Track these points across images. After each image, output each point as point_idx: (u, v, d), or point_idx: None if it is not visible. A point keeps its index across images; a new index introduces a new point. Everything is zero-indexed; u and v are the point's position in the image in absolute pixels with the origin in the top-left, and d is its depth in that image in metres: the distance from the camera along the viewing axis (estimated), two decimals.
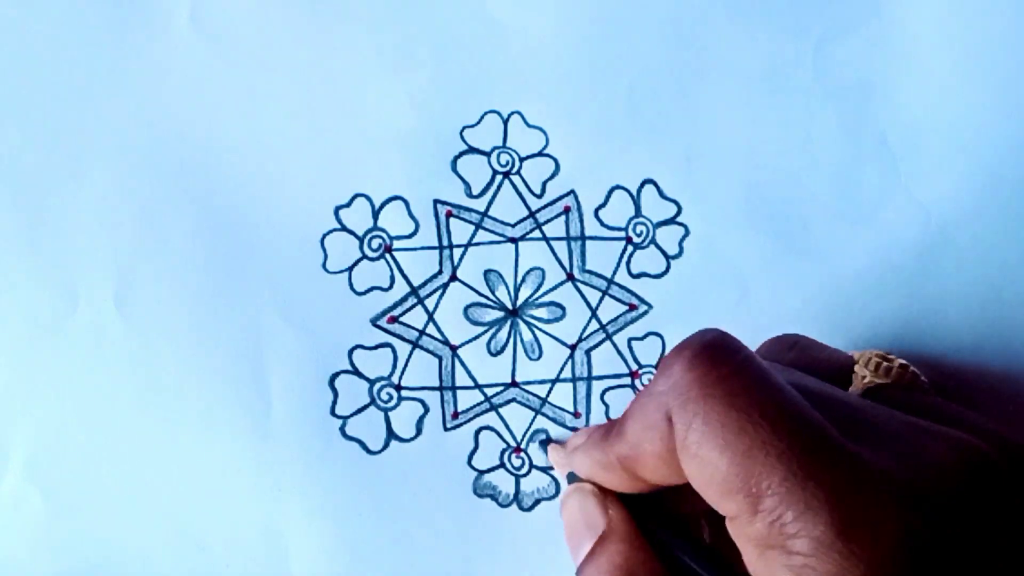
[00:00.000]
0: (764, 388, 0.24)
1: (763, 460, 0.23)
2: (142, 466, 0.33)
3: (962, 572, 0.22)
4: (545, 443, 0.34)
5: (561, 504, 0.30)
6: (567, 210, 0.35)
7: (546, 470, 0.34)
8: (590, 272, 0.35)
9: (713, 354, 0.24)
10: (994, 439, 0.25)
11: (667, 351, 0.34)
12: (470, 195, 0.35)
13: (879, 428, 0.24)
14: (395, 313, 0.34)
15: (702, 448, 0.24)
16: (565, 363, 0.34)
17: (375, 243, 0.35)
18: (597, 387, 0.34)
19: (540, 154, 0.35)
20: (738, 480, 0.23)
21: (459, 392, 0.34)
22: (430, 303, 0.35)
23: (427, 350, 0.34)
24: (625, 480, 0.28)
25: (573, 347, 0.35)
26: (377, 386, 0.34)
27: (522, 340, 0.35)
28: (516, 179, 0.35)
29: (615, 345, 0.35)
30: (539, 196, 0.35)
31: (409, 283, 0.35)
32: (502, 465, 0.34)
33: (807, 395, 0.24)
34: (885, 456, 0.23)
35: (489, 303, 0.35)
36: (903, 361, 0.30)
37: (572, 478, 0.30)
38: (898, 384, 0.29)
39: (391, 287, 0.34)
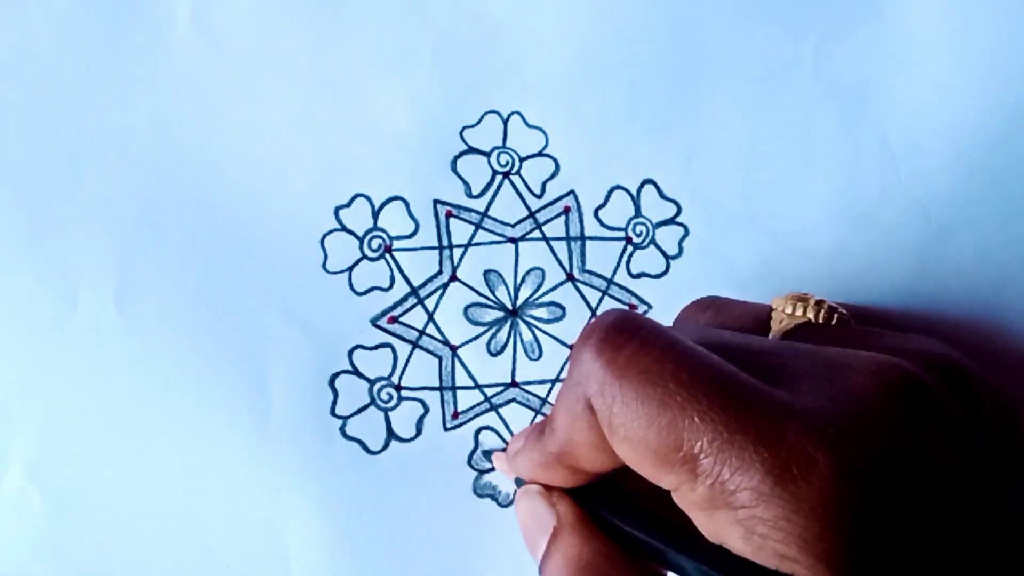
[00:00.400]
0: (674, 356, 0.24)
1: (688, 426, 0.23)
2: (142, 466, 0.33)
3: (905, 489, 0.22)
4: (488, 453, 0.34)
5: (515, 508, 0.30)
6: (567, 210, 0.35)
7: None
8: (590, 272, 0.35)
9: (618, 334, 0.24)
10: (915, 355, 0.25)
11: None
12: (470, 195, 0.35)
13: (799, 368, 0.24)
14: (395, 313, 0.34)
15: (628, 429, 0.24)
16: (565, 363, 0.34)
17: (375, 243, 0.35)
18: None
19: (540, 154, 0.35)
20: (670, 451, 0.23)
21: (459, 392, 0.34)
22: (430, 303, 0.35)
23: (427, 350, 0.34)
24: (567, 474, 0.28)
25: (573, 347, 0.35)
26: (377, 386, 0.34)
27: (522, 340, 0.35)
28: (516, 179, 0.35)
29: None
30: (539, 196, 0.35)
31: (409, 283, 0.35)
32: None
33: (722, 350, 0.24)
34: (808, 394, 0.23)
35: (489, 303, 0.35)
36: (820, 297, 0.30)
37: (520, 482, 0.30)
38: (818, 322, 0.29)
39: (391, 287, 0.34)
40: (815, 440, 0.22)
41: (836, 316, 0.29)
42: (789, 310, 0.29)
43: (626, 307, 0.35)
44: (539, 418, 0.34)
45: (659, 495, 0.26)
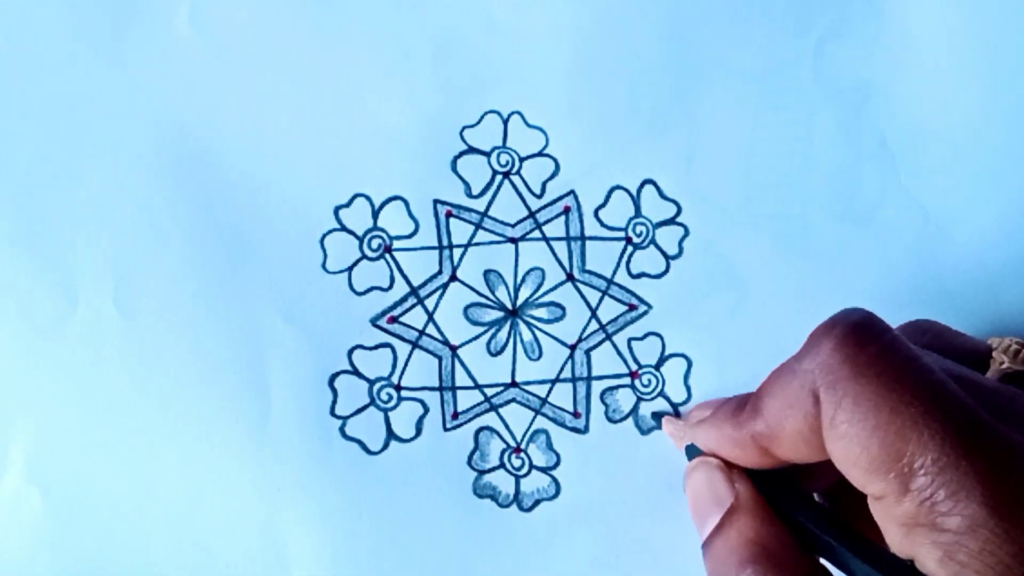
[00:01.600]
0: (914, 368, 0.24)
1: (916, 440, 0.23)
2: (142, 466, 0.33)
3: None
4: (658, 415, 0.34)
5: (686, 476, 0.30)
6: (567, 210, 0.35)
7: (546, 471, 0.34)
8: (590, 272, 0.35)
9: (862, 334, 0.24)
10: None
11: (667, 351, 0.34)
12: (470, 195, 0.35)
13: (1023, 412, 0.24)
14: (395, 313, 0.34)
15: (852, 428, 0.24)
16: (565, 363, 0.34)
17: (375, 243, 0.35)
18: (597, 387, 0.34)
19: (540, 154, 0.35)
20: (889, 460, 0.23)
21: (459, 392, 0.34)
22: (430, 303, 0.35)
23: (427, 350, 0.34)
24: (755, 456, 0.28)
25: (573, 347, 0.35)
26: (377, 386, 0.34)
27: (522, 340, 0.35)
28: (516, 179, 0.35)
29: (615, 345, 0.35)
30: (539, 196, 0.35)
31: (409, 283, 0.35)
32: (502, 465, 0.34)
33: (955, 379, 0.24)
34: None
35: (489, 303, 0.35)
36: None
37: (692, 451, 0.30)
38: None
39: (391, 287, 0.34)
40: None
41: None
42: (1010, 356, 0.29)
43: (626, 307, 0.35)
44: (539, 418, 0.34)
45: (835, 498, 0.27)
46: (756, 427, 0.27)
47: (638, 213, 0.35)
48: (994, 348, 0.30)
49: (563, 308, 0.35)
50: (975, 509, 0.22)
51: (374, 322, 0.34)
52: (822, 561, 0.27)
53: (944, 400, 0.23)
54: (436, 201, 0.35)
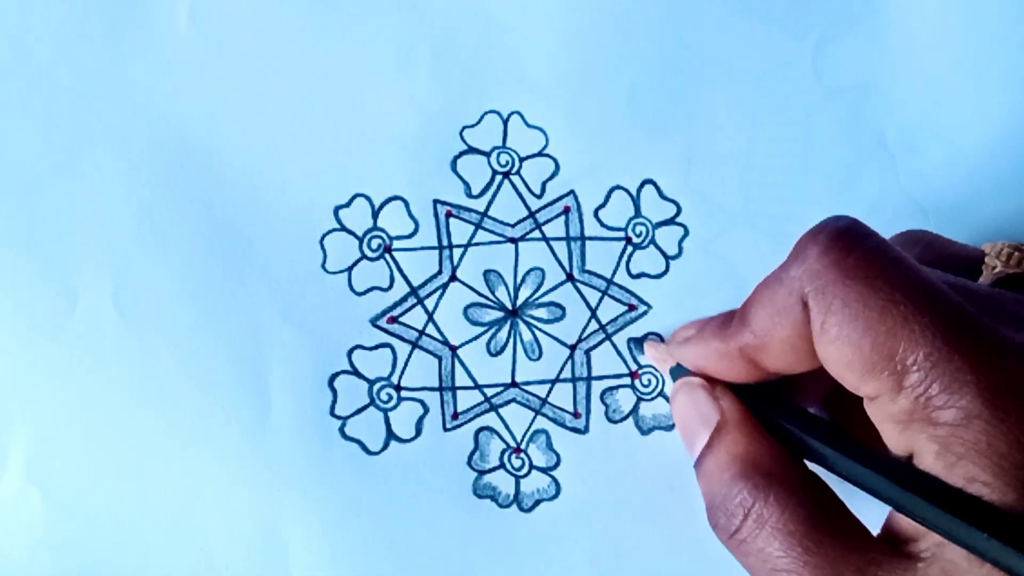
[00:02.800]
0: (902, 269, 0.24)
1: (907, 337, 0.23)
2: (142, 466, 0.33)
3: None
4: (639, 340, 0.34)
5: (671, 399, 0.30)
6: (567, 210, 0.35)
7: (546, 471, 0.34)
8: (590, 272, 0.35)
9: (848, 238, 0.25)
10: None
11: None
12: (470, 195, 0.35)
13: (1016, 312, 0.25)
14: (395, 313, 0.34)
15: (843, 331, 0.24)
16: (565, 363, 0.34)
17: (375, 243, 0.34)
18: (597, 387, 0.34)
19: (540, 154, 0.35)
20: (881, 359, 0.23)
21: (459, 392, 0.34)
22: (430, 303, 0.34)
23: (427, 350, 0.34)
24: (743, 370, 0.28)
25: (573, 347, 0.35)
26: (377, 386, 0.34)
27: (522, 340, 0.35)
28: (516, 179, 0.35)
29: (615, 345, 0.35)
30: (539, 196, 0.35)
31: (409, 283, 0.35)
32: (502, 466, 0.34)
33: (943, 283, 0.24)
34: None
35: (489, 303, 0.35)
36: None
37: (676, 373, 0.30)
38: None
39: (391, 287, 0.34)
40: None
41: None
42: (1003, 259, 0.29)
43: (626, 307, 0.35)
44: (539, 418, 0.34)
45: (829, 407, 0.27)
46: (744, 339, 0.27)
47: (638, 213, 0.35)
48: (987, 253, 0.30)
49: (563, 308, 0.35)
50: (969, 401, 0.22)
51: (374, 322, 0.34)
52: (818, 471, 0.27)
53: (933, 297, 0.24)
54: (436, 201, 0.35)
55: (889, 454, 0.25)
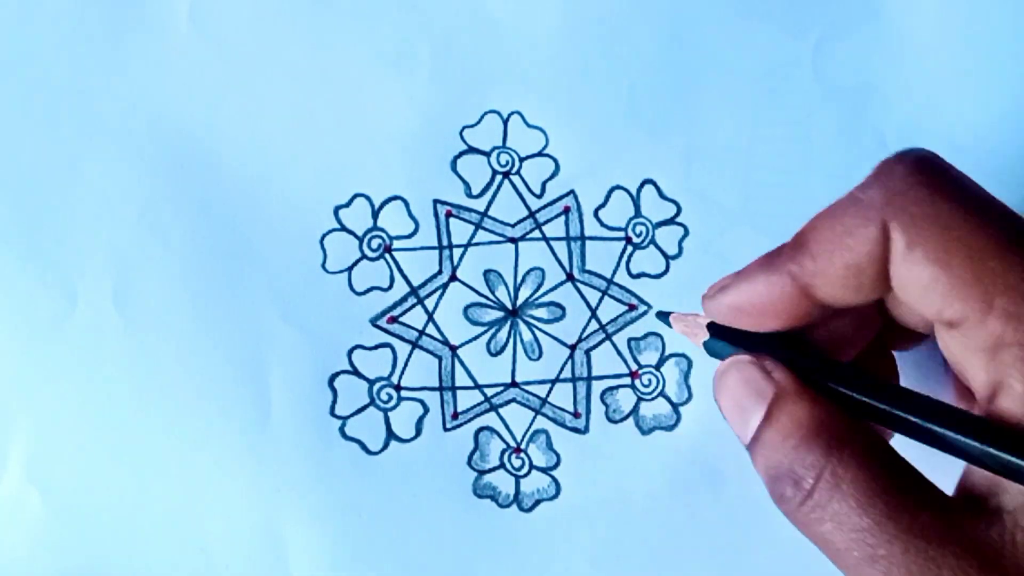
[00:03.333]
0: (987, 195, 0.24)
1: (998, 257, 0.22)
2: (142, 466, 0.33)
3: None
4: (665, 314, 0.32)
5: (717, 383, 0.28)
6: (567, 210, 0.35)
7: (546, 471, 0.34)
8: (590, 272, 0.35)
9: (934, 162, 0.24)
10: None
11: (667, 351, 0.34)
12: (470, 195, 0.35)
13: None
14: (395, 313, 0.34)
15: (929, 250, 0.23)
16: (565, 363, 0.34)
17: (375, 243, 0.34)
18: (597, 387, 0.34)
19: (540, 154, 0.35)
20: (972, 277, 0.23)
21: (459, 392, 0.34)
22: (430, 303, 0.34)
23: (427, 350, 0.34)
24: (791, 303, 0.26)
25: (573, 347, 0.35)
26: (377, 386, 0.34)
27: (522, 340, 0.35)
28: (516, 179, 0.35)
29: (615, 345, 0.35)
30: (539, 196, 0.35)
31: (409, 283, 0.35)
32: (502, 466, 0.34)
33: None
34: None
35: (489, 303, 0.35)
36: None
37: (711, 346, 0.29)
38: None
39: (391, 287, 0.34)
40: None
41: None
42: None
43: (626, 307, 0.35)
44: (539, 419, 0.34)
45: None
46: (801, 263, 0.26)
47: (638, 213, 0.35)
48: None
49: (563, 308, 0.35)
50: None
51: (374, 322, 0.34)
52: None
53: (1020, 221, 0.23)
54: (436, 201, 0.35)
55: (950, 406, 0.24)
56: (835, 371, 0.27)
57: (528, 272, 0.35)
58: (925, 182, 0.24)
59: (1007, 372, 0.22)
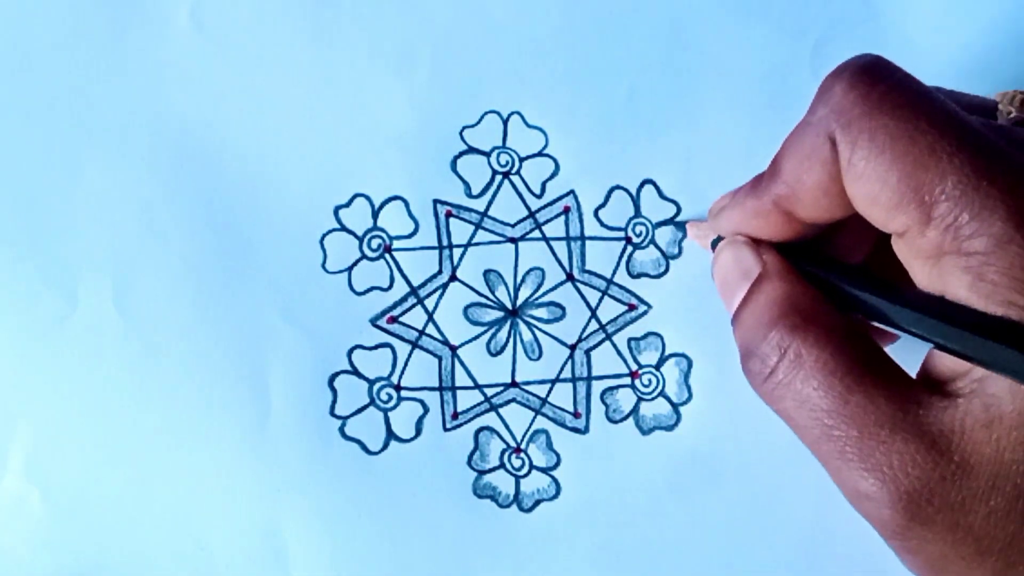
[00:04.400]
0: (927, 100, 0.24)
1: (935, 167, 0.23)
2: (142, 466, 0.33)
3: None
4: (681, 224, 0.34)
5: (713, 263, 0.30)
6: (567, 210, 0.35)
7: (546, 471, 0.34)
8: (590, 272, 0.35)
9: (872, 73, 0.24)
10: None
11: (667, 351, 0.34)
12: (470, 195, 0.35)
13: None
14: (395, 313, 0.34)
15: (870, 165, 0.24)
16: (565, 363, 0.34)
17: (375, 243, 0.35)
18: (597, 387, 0.34)
19: (540, 154, 0.35)
20: (909, 191, 0.23)
21: (459, 392, 0.34)
22: (430, 303, 0.35)
23: (427, 350, 0.34)
24: (778, 225, 0.27)
25: (573, 347, 0.35)
26: (377, 386, 0.34)
27: (522, 340, 0.35)
28: (516, 179, 0.35)
29: (615, 345, 0.35)
30: (539, 196, 0.35)
31: (409, 283, 0.35)
32: (502, 466, 0.34)
33: None
34: None
35: (489, 303, 0.35)
36: None
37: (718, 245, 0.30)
38: None
39: (391, 287, 0.34)
40: None
41: None
42: (1017, 104, 0.29)
43: (626, 307, 0.35)
44: (539, 418, 0.34)
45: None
46: (777, 189, 0.27)
47: (638, 213, 0.35)
48: (999, 102, 0.30)
49: (563, 308, 0.35)
50: (1000, 227, 0.22)
51: (374, 322, 0.34)
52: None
53: (960, 127, 0.23)
54: (436, 201, 0.35)
55: (932, 295, 0.24)
56: (821, 260, 0.28)
57: (528, 272, 0.35)
58: (863, 96, 0.24)
59: (949, 279, 0.23)
